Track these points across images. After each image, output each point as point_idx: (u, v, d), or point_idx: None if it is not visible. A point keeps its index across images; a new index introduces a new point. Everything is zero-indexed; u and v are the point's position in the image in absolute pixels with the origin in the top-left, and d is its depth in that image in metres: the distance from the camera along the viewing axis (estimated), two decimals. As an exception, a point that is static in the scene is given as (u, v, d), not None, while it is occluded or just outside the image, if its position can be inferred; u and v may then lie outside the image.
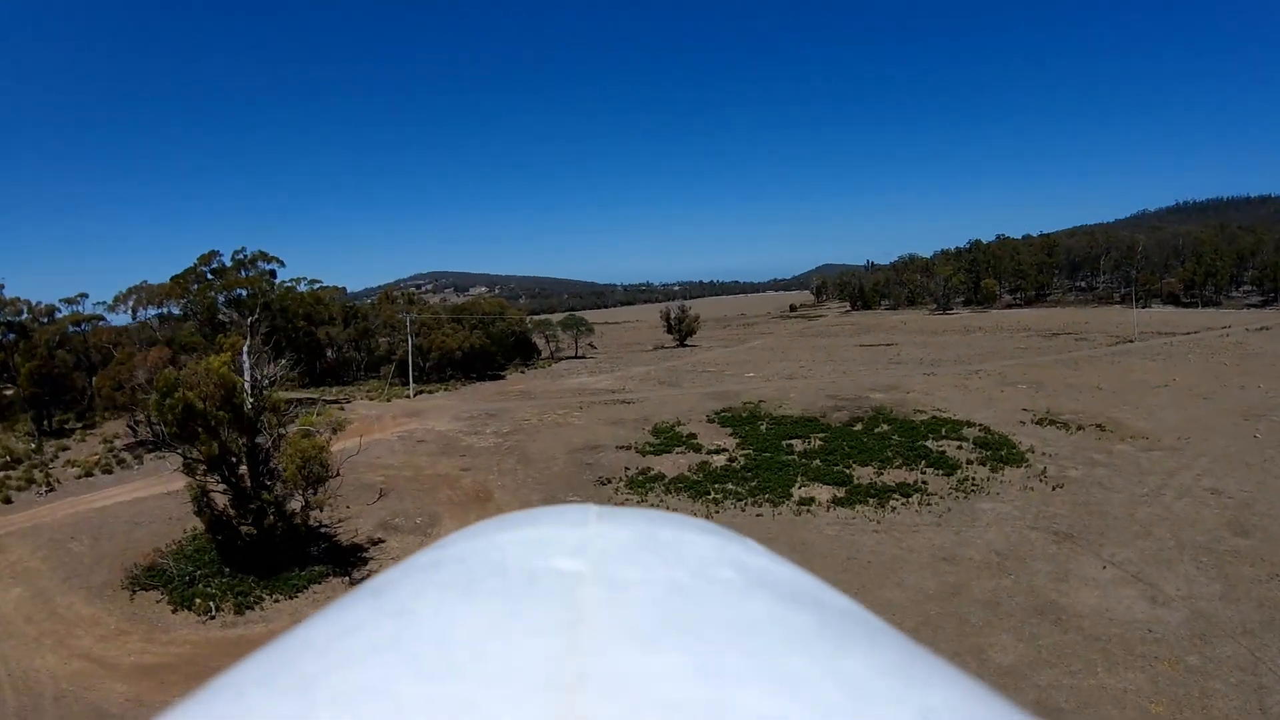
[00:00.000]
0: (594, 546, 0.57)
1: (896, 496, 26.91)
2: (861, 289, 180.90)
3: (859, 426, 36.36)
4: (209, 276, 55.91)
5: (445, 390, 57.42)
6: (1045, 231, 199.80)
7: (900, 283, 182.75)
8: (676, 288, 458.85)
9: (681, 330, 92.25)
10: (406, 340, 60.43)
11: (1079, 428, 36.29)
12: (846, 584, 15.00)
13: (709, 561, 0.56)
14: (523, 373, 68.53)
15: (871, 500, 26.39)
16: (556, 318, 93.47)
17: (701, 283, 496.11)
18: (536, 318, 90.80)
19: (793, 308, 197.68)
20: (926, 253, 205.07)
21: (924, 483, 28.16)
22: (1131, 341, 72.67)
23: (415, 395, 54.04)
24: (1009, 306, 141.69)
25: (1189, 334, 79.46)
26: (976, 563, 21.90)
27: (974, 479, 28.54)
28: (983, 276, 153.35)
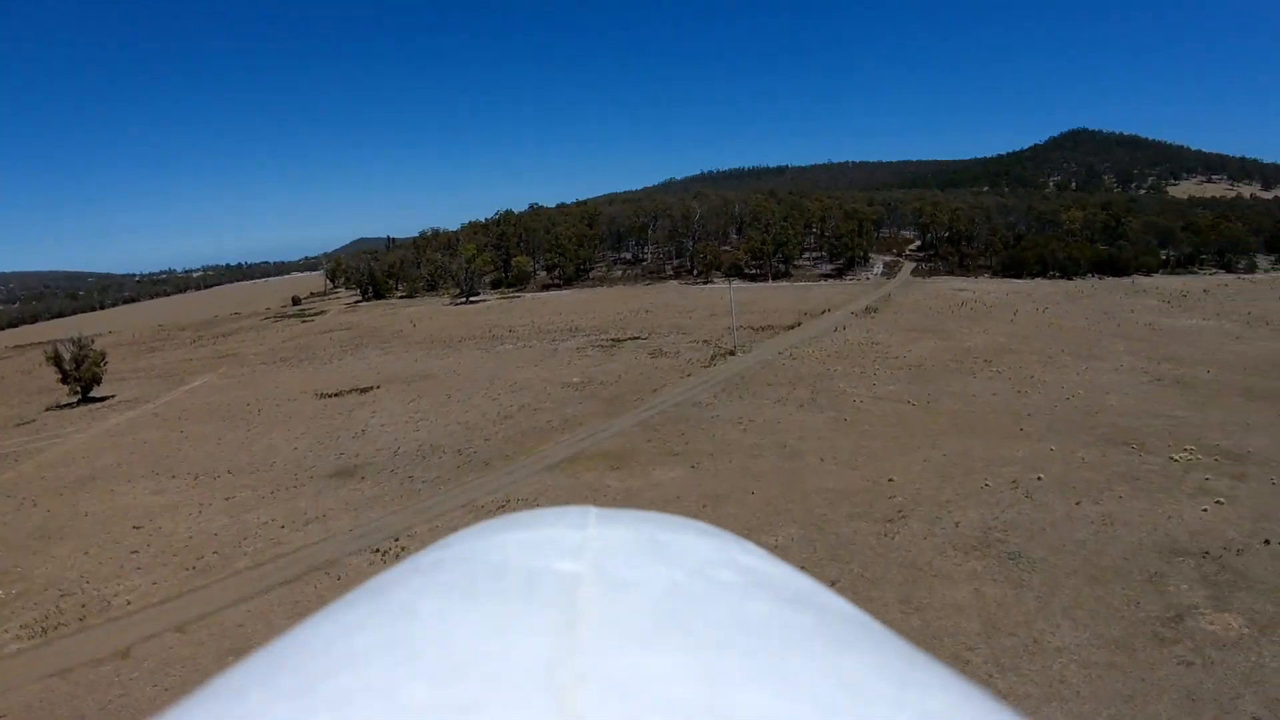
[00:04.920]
0: (594, 547, 0.64)
1: None
2: (372, 274, 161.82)
3: None
4: None
5: None
6: (583, 199, 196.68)
7: (419, 263, 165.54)
8: (198, 273, 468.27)
9: (81, 378, 64.79)
10: None
11: None
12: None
13: (708, 563, 0.63)
14: None
15: None
16: None
17: (229, 266, 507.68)
18: None
19: (296, 300, 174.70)
20: (458, 225, 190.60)
21: None
22: (733, 354, 53.17)
23: None
24: (546, 287, 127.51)
25: (792, 327, 64.65)
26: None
27: None
28: (514, 253, 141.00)
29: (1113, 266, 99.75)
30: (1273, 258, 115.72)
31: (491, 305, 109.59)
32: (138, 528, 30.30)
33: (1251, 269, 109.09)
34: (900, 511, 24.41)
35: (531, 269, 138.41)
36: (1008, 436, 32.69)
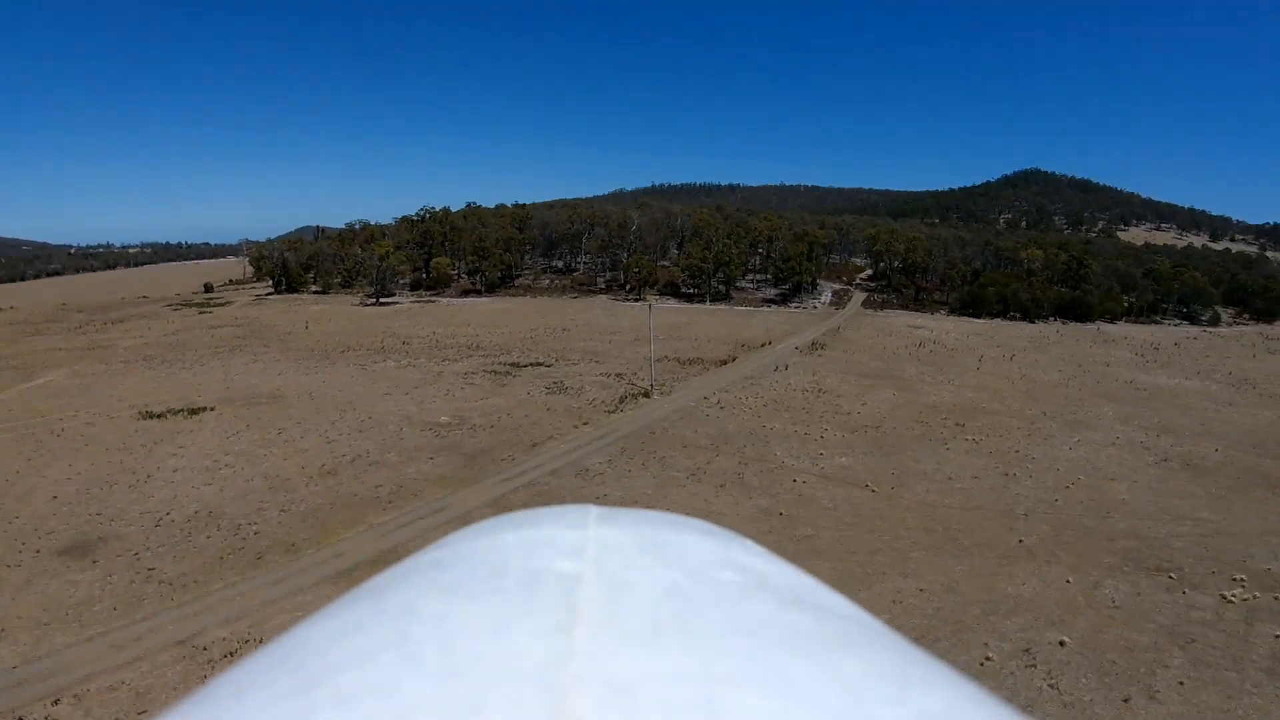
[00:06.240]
0: (594, 547, 0.64)
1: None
2: (285, 266, 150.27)
3: None
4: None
5: None
6: (523, 202, 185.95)
7: (340, 257, 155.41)
8: (135, 249, 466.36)
9: None
10: None
11: None
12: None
13: (708, 563, 0.63)
14: None
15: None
16: None
17: (168, 245, 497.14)
18: None
19: (209, 287, 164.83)
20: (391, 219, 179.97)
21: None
22: (648, 395, 43.23)
23: None
24: (466, 293, 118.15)
25: (725, 362, 55.12)
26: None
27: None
28: (437, 253, 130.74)
29: (1075, 311, 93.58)
30: (1232, 310, 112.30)
31: (401, 309, 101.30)
32: None
33: (1215, 321, 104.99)
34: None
35: (455, 271, 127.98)
36: (1004, 554, 23.44)
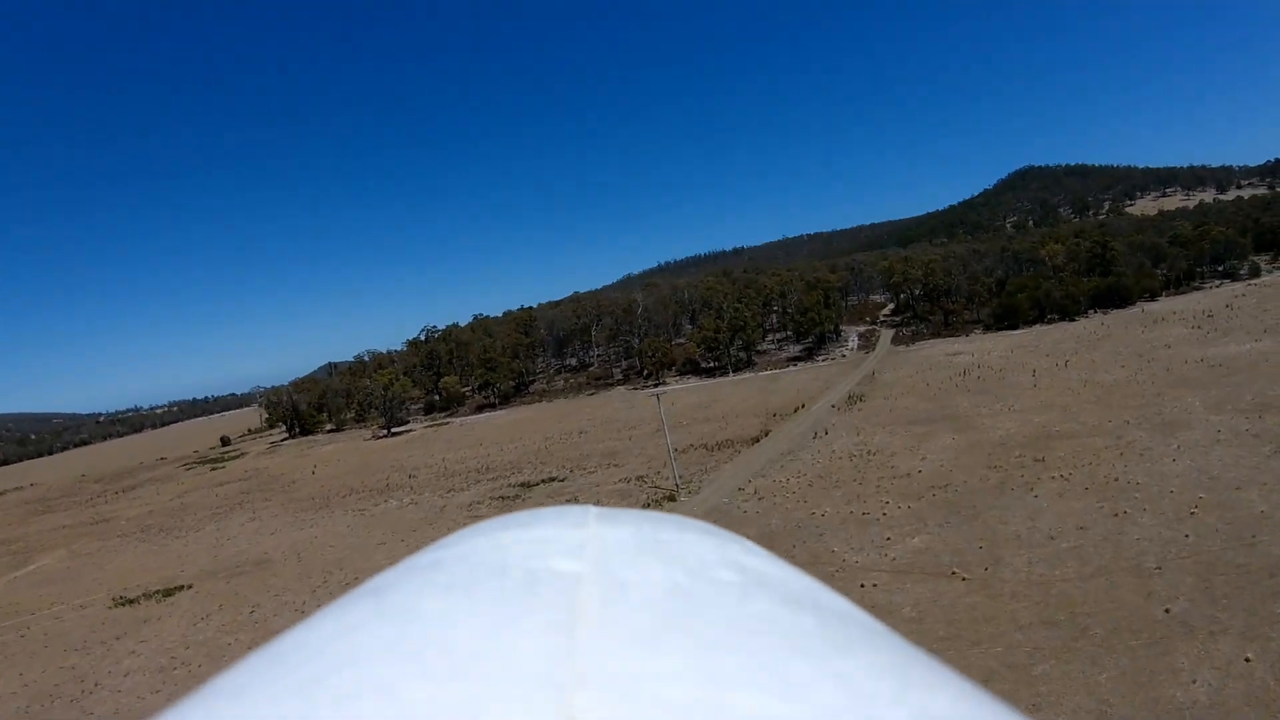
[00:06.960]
0: (594, 547, 0.64)
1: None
2: (295, 409, 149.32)
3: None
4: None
5: None
6: (531, 304, 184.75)
7: (349, 392, 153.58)
8: (162, 409, 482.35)
9: None
10: None
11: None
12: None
13: (708, 563, 0.63)
14: None
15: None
16: None
17: (194, 401, 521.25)
18: None
19: (225, 440, 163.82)
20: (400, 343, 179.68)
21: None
22: (673, 498, 38.30)
23: None
24: (481, 408, 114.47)
25: (758, 439, 49.93)
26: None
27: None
28: (445, 371, 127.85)
29: (1113, 297, 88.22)
30: (1266, 256, 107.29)
31: (414, 436, 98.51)
32: None
33: (1255, 272, 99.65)
34: None
35: (470, 388, 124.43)
36: (1153, 637, 17.97)
